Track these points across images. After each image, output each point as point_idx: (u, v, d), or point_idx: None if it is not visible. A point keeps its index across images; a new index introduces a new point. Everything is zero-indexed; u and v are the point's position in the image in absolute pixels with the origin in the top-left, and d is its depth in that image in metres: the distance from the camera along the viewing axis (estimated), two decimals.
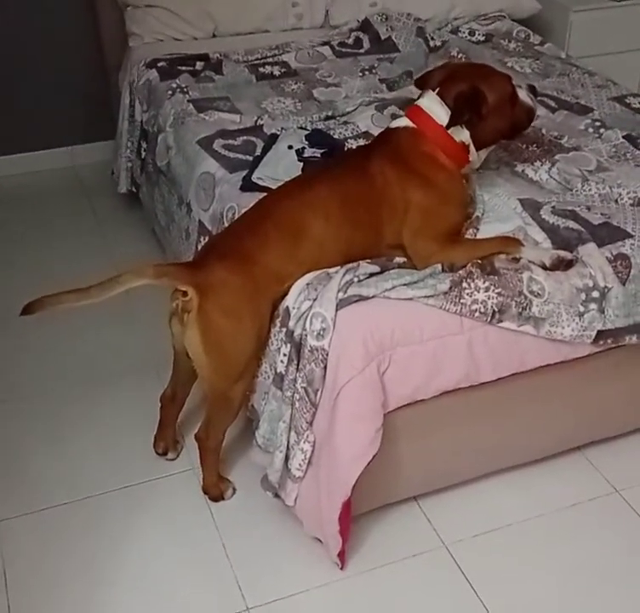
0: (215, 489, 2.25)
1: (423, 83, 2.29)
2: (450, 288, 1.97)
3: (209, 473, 2.23)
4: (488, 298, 1.97)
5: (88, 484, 2.32)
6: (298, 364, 1.97)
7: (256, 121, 2.84)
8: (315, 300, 1.96)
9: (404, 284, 1.98)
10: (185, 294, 1.94)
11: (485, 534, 2.17)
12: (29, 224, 3.56)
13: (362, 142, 2.62)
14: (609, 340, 2.09)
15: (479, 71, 2.23)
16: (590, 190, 2.39)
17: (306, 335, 1.94)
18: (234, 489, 2.27)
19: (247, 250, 2.01)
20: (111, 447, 2.44)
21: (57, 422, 2.54)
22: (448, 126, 2.13)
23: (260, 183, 2.39)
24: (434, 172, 2.14)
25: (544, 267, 2.04)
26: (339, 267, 2.03)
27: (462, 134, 2.16)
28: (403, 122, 2.21)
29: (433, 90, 2.20)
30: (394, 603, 2.01)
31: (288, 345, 1.99)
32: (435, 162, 2.15)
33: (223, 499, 2.25)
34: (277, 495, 2.10)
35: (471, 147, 2.18)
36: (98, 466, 2.37)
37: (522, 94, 2.26)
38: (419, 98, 2.24)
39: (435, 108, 2.17)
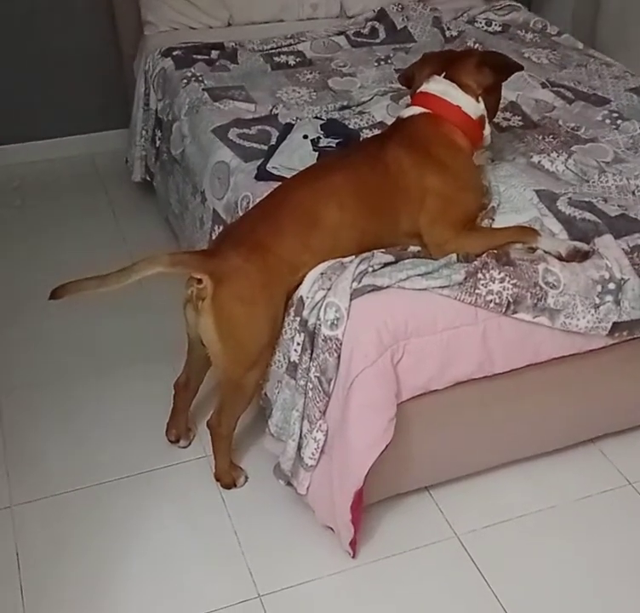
0: (227, 476, 2.25)
1: (411, 79, 2.33)
2: (465, 278, 1.96)
3: (222, 461, 2.23)
4: (504, 289, 1.96)
5: (100, 470, 2.33)
6: (311, 354, 1.97)
7: (271, 110, 2.84)
8: (329, 289, 1.96)
9: (419, 275, 1.98)
10: (199, 281, 1.95)
11: (497, 525, 2.17)
12: (44, 211, 3.56)
13: (377, 132, 2.62)
14: (625, 333, 2.08)
15: (466, 50, 2.38)
16: (607, 181, 2.38)
17: (320, 325, 1.94)
18: (246, 477, 2.28)
19: (261, 239, 2.01)
20: (124, 434, 2.45)
21: (70, 409, 2.55)
22: (502, 81, 2.26)
23: (275, 172, 2.39)
24: (452, 156, 2.16)
25: (560, 258, 2.04)
26: (353, 257, 2.03)
27: (478, 109, 2.22)
28: (416, 109, 2.23)
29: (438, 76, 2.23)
30: (405, 592, 2.01)
31: (302, 334, 1.98)
32: (453, 145, 2.17)
33: (235, 486, 2.26)
34: (289, 484, 2.10)
35: (486, 120, 2.24)
36: (111, 453, 2.38)
37: None
38: (417, 87, 2.27)
39: (448, 90, 2.20)
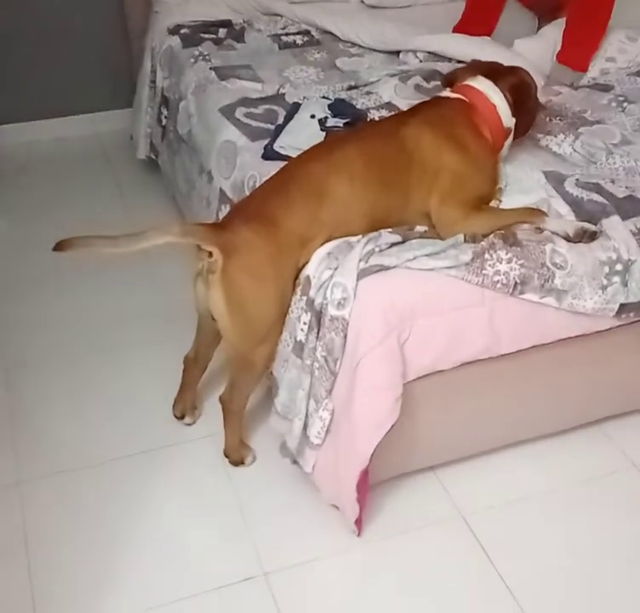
0: (236, 453, 2.26)
1: (454, 80, 2.35)
2: (472, 259, 1.96)
3: (232, 437, 2.24)
4: (511, 269, 1.96)
5: (108, 447, 2.34)
6: (318, 333, 1.97)
7: (278, 90, 2.83)
8: (336, 269, 1.96)
9: (426, 255, 1.98)
10: (210, 255, 1.95)
11: (502, 505, 2.18)
12: (51, 190, 3.57)
13: (384, 112, 2.62)
14: (632, 314, 2.08)
15: (514, 67, 2.36)
16: (614, 163, 2.38)
17: (327, 304, 1.94)
18: (254, 457, 2.28)
19: (271, 212, 2.01)
20: (132, 411, 2.46)
21: (79, 387, 2.56)
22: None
23: (282, 152, 2.39)
24: (475, 141, 2.18)
25: (567, 238, 2.03)
26: (360, 236, 2.03)
27: (510, 120, 2.26)
28: (454, 94, 2.27)
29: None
30: (410, 571, 2.03)
31: (309, 313, 1.99)
32: (477, 131, 2.20)
33: (243, 464, 2.27)
34: (295, 462, 2.11)
35: (511, 135, 2.28)
36: (118, 431, 2.39)
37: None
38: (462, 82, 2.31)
39: (490, 90, 2.24)
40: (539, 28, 3.27)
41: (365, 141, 2.12)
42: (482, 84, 2.26)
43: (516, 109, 2.26)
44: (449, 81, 2.38)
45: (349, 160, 2.07)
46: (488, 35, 3.17)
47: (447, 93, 2.29)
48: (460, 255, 1.96)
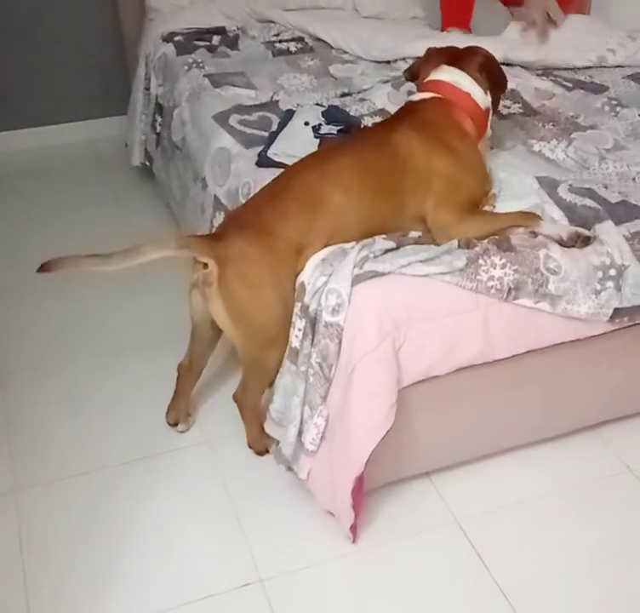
0: (259, 444, 2.27)
1: (417, 73, 2.38)
2: (466, 264, 1.96)
3: (251, 430, 2.26)
4: (505, 275, 1.96)
5: (104, 454, 2.34)
6: (313, 339, 1.97)
7: (272, 97, 2.84)
8: (330, 275, 1.96)
9: (420, 261, 1.98)
10: (205, 266, 1.96)
11: (497, 510, 2.17)
12: (45, 197, 3.58)
13: (378, 119, 2.63)
14: (626, 319, 2.09)
15: (471, 47, 2.37)
16: (607, 168, 2.39)
17: (321, 311, 1.94)
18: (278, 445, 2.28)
19: (266, 222, 2.01)
20: (127, 418, 2.46)
21: (75, 394, 2.56)
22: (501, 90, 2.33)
23: (276, 159, 2.40)
24: (461, 140, 2.19)
25: (561, 242, 2.04)
26: (354, 243, 2.03)
27: (486, 101, 2.29)
28: (427, 94, 2.27)
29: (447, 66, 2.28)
30: (405, 577, 2.02)
31: (303, 320, 1.99)
32: (461, 129, 2.21)
33: (268, 453, 2.27)
34: (290, 469, 2.11)
35: (490, 114, 2.31)
36: (115, 437, 2.39)
37: None
38: (424, 78, 2.32)
39: (459, 78, 2.25)
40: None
41: (359, 150, 2.13)
42: (449, 74, 2.27)
43: (489, 85, 2.28)
44: (413, 74, 2.41)
45: (343, 170, 2.08)
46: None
47: (421, 95, 2.29)
48: (454, 261, 1.97)
